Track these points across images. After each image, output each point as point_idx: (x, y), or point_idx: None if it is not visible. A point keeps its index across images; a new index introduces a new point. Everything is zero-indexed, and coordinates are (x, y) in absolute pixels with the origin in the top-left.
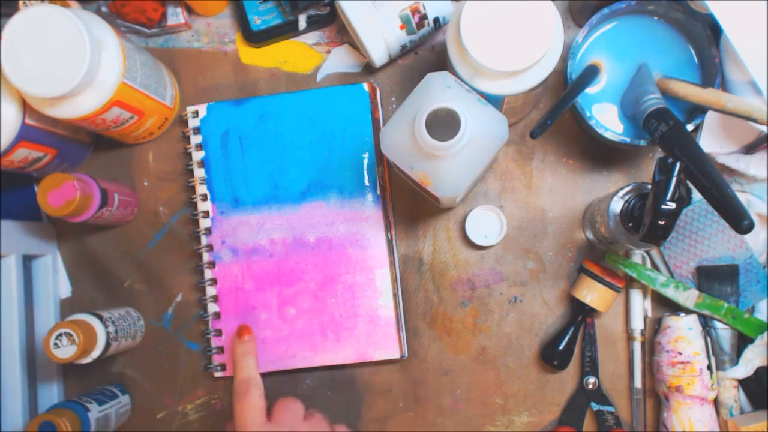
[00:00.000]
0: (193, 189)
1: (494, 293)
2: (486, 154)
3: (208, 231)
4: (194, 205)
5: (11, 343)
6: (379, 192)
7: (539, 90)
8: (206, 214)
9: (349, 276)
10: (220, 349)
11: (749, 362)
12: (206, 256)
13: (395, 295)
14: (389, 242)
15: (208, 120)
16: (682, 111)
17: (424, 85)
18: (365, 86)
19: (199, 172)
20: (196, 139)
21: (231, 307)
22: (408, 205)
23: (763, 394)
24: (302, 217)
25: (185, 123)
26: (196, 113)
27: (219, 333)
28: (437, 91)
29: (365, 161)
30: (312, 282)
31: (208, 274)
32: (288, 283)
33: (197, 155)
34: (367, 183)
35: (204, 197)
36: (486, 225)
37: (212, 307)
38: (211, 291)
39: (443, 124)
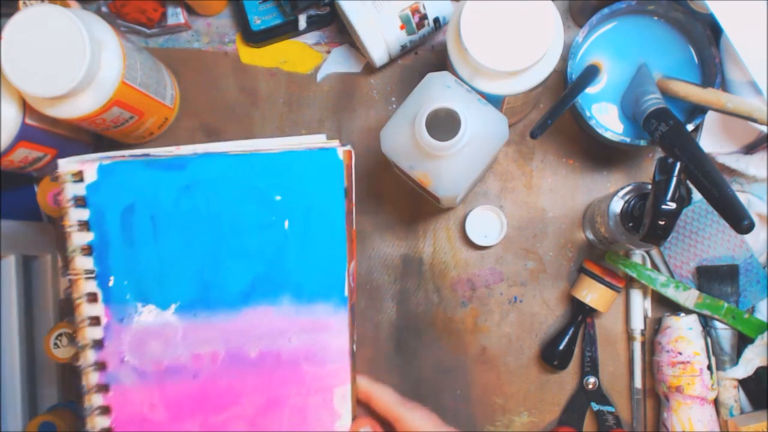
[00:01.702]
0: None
1: (494, 293)
2: (486, 154)
3: (100, 344)
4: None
5: (11, 343)
6: (347, 293)
7: (539, 90)
8: (95, 321)
9: (299, 398)
10: None
11: (749, 362)
12: (94, 377)
13: (355, 417)
14: (353, 355)
15: (101, 187)
16: (682, 111)
17: (424, 85)
18: (339, 153)
19: (84, 263)
20: (78, 215)
21: None
22: (408, 205)
23: (763, 394)
24: (242, 326)
25: (62, 184)
26: (78, 175)
27: None
28: (437, 91)
29: (333, 253)
30: (250, 406)
31: (98, 400)
32: (216, 409)
33: (80, 238)
34: (332, 282)
35: (92, 298)
36: (486, 225)
37: None
38: (101, 423)
39: (443, 124)
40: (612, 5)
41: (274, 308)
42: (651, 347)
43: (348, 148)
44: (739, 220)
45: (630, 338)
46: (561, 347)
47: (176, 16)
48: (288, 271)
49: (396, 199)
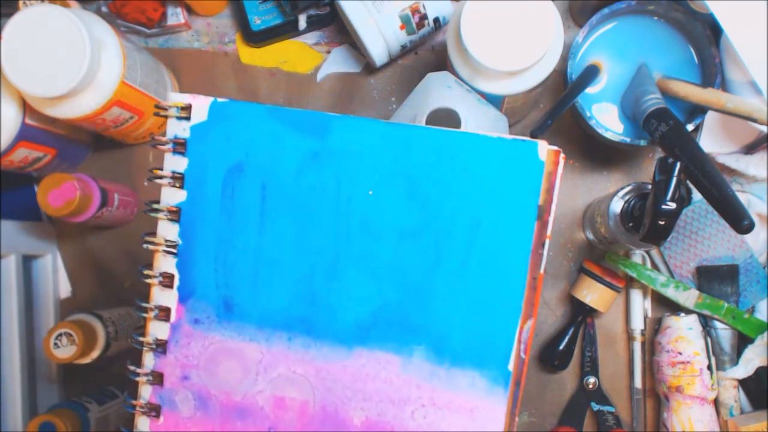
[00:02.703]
0: (150, 255)
1: None
2: None
3: (162, 346)
4: (146, 288)
5: (11, 343)
6: (512, 366)
7: (539, 90)
8: (165, 314)
9: None
10: None
11: (749, 362)
12: (146, 392)
13: None
14: None
15: (209, 132)
16: (682, 111)
17: (424, 85)
18: (542, 150)
19: (168, 230)
20: (174, 163)
21: None
22: None
23: (763, 394)
24: (350, 373)
25: (166, 117)
26: (186, 111)
27: None
28: (437, 91)
29: (501, 302)
30: None
31: (144, 425)
32: None
33: (170, 195)
34: (492, 345)
35: (167, 280)
36: None
37: None
38: None
39: (443, 125)
40: (612, 5)
41: (399, 360)
42: (651, 347)
43: (557, 148)
44: (739, 220)
45: (630, 338)
46: (561, 347)
47: (176, 16)
48: (430, 310)
49: None
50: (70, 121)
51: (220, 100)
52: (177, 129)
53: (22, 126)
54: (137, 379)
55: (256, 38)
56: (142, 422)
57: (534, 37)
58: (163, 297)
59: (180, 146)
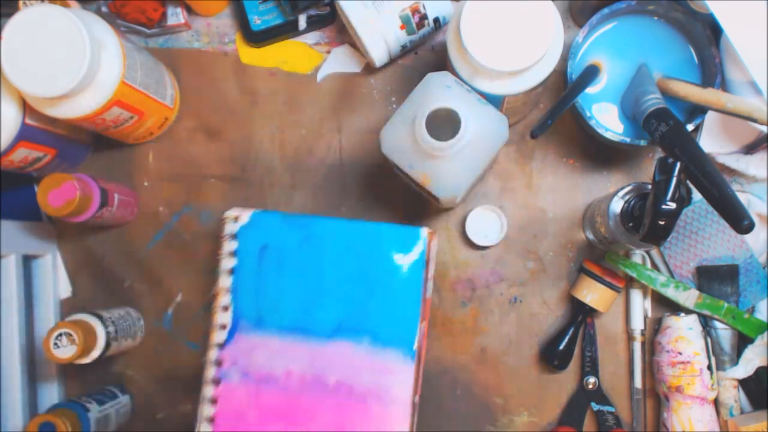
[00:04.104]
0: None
1: (494, 293)
2: (486, 154)
3: (222, 346)
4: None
5: (11, 343)
6: (415, 347)
7: (539, 90)
8: (223, 326)
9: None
10: None
11: (749, 362)
12: (212, 371)
13: None
14: (414, 406)
15: (249, 229)
16: (682, 111)
17: (424, 85)
18: (424, 232)
19: (226, 281)
20: (230, 246)
21: None
22: (408, 205)
23: (763, 394)
24: (327, 354)
25: (222, 226)
26: (236, 219)
27: None
28: (437, 91)
29: (407, 313)
30: (322, 428)
31: (209, 391)
32: (295, 422)
33: (228, 262)
34: (405, 334)
35: (225, 308)
36: (486, 225)
37: (205, 428)
38: (207, 411)
39: (443, 124)
40: (612, 5)
41: (355, 345)
42: (651, 347)
43: (432, 230)
44: (739, 220)
45: (630, 338)
46: (561, 347)
47: (176, 16)
48: (369, 318)
49: (396, 199)
50: (70, 121)
51: (256, 212)
52: (232, 228)
53: (22, 126)
54: (207, 365)
55: (256, 38)
56: (208, 389)
57: (534, 37)
58: (223, 317)
59: (233, 236)
